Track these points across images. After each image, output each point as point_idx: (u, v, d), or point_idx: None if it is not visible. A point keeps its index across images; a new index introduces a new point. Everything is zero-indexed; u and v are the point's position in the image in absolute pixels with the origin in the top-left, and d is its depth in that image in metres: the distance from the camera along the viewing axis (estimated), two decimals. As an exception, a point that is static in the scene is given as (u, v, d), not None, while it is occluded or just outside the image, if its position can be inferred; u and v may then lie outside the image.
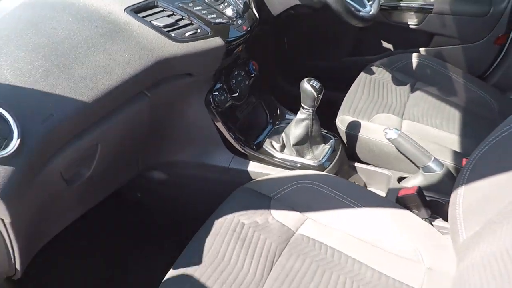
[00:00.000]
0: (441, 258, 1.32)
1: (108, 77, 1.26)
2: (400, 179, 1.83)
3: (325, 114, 1.99)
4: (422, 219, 1.48)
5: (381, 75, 2.25)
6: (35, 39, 1.24)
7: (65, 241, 1.55)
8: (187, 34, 1.51)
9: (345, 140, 1.97)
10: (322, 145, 1.89)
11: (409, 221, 1.44)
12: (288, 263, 1.29)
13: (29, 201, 1.09)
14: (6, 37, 1.23)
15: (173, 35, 1.47)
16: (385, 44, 2.77)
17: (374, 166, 1.96)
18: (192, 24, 1.56)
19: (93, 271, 1.97)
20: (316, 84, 1.71)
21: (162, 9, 1.52)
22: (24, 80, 1.13)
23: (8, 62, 1.14)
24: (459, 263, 1.14)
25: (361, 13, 1.91)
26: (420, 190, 1.55)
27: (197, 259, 1.28)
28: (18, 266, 1.23)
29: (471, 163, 1.25)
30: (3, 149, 0.99)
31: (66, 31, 1.29)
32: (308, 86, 1.70)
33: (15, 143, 1.01)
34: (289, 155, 1.85)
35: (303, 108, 1.77)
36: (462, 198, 1.23)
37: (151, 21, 1.45)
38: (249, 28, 1.77)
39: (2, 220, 1.06)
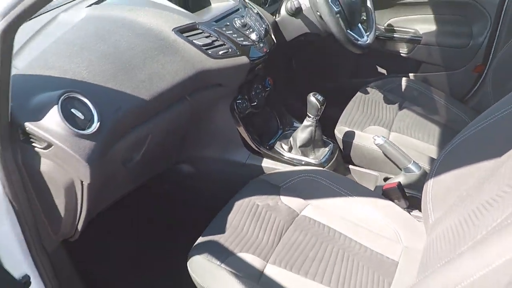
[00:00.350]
0: (415, 239, 1.50)
1: (161, 82, 1.49)
2: (385, 179, 2.00)
3: (326, 124, 2.15)
4: (402, 208, 1.67)
5: (374, 94, 2.40)
6: (103, 48, 1.47)
7: (105, 220, 1.74)
8: (220, 53, 1.73)
9: (341, 146, 2.13)
10: (323, 148, 2.09)
11: (391, 209, 1.63)
12: (293, 236, 1.50)
13: (100, 171, 1.30)
14: (79, 45, 1.46)
15: (209, 52, 1.69)
16: (380, 69, 2.92)
17: (365, 168, 2.12)
18: (225, 45, 1.77)
19: (128, 247, 2.12)
20: (320, 97, 1.92)
21: (201, 31, 1.73)
22: (97, 79, 1.35)
23: (84, 64, 1.37)
24: (427, 239, 1.34)
25: (359, 42, 2.08)
26: (400, 184, 1.75)
27: (221, 230, 1.48)
28: (79, 227, 1.44)
29: (438, 160, 1.45)
30: (88, 128, 1.23)
31: (127, 43, 1.53)
32: (313, 98, 1.91)
33: (96, 125, 1.25)
34: (295, 155, 2.05)
35: (309, 116, 1.98)
36: (431, 188, 1.43)
37: (193, 40, 1.67)
38: (268, 50, 1.98)
39: (82, 182, 1.29)
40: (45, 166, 1.24)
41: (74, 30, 1.56)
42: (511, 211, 0.93)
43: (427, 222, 1.39)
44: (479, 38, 2.60)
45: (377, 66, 2.93)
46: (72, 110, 1.21)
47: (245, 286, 1.31)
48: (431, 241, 1.26)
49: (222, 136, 2.03)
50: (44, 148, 1.21)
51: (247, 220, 1.54)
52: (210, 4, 2.02)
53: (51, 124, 1.17)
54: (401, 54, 2.81)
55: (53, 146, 1.19)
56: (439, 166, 1.45)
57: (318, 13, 2.05)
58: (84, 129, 1.22)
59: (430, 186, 1.44)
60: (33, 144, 1.21)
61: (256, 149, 2.06)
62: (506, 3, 2.49)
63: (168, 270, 1.87)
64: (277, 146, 2.12)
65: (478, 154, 1.30)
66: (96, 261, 1.98)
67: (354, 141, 2.10)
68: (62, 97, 1.20)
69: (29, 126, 1.17)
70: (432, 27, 2.71)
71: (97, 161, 1.24)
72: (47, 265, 1.36)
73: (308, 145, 2.05)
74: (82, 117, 1.23)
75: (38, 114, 1.18)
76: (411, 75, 2.79)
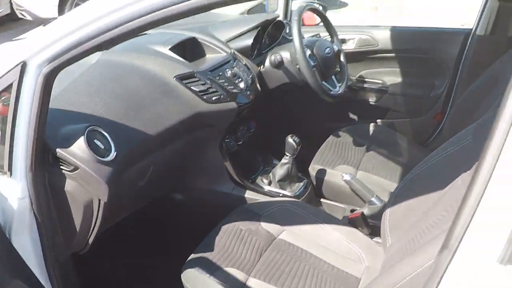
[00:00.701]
0: (376, 260, 1.70)
1: (164, 121, 1.74)
2: (352, 211, 2.20)
3: (302, 163, 2.37)
4: (364, 235, 1.89)
5: (345, 138, 2.60)
6: (117, 90, 1.73)
7: (107, 239, 1.88)
8: (213, 98, 1.99)
9: (314, 182, 2.35)
10: (298, 183, 2.32)
11: (355, 235, 1.84)
12: (271, 255, 1.71)
13: (114, 193, 1.52)
14: (96, 86, 1.71)
15: (205, 97, 1.95)
16: (351, 115, 3.13)
17: (334, 201, 2.33)
18: (217, 92, 2.03)
19: (126, 263, 2.26)
20: (296, 139, 2.17)
21: (198, 79, 1.99)
22: (113, 116, 1.61)
23: (101, 103, 1.63)
24: (384, 258, 1.55)
25: (331, 92, 2.33)
26: (363, 214, 1.99)
27: (210, 249, 1.69)
28: (90, 240, 1.64)
29: (394, 193, 1.69)
30: (107, 156, 1.48)
31: (136, 86, 1.79)
32: (291, 140, 2.16)
33: (113, 154, 1.50)
34: (274, 188, 2.29)
35: (286, 155, 2.21)
36: (388, 217, 1.65)
37: (191, 87, 1.93)
38: (253, 97, 2.24)
39: (99, 201, 1.51)
40: (70, 186, 1.47)
41: (90, 72, 1.82)
42: (442, 229, 1.18)
43: (385, 246, 1.60)
44: (439, 89, 2.85)
45: (349, 113, 3.14)
46: (95, 140, 1.46)
47: None
48: (386, 259, 1.49)
49: (211, 169, 2.25)
50: (71, 171, 1.44)
51: (232, 241, 1.74)
52: (205, 55, 2.29)
53: (78, 151, 1.41)
54: (370, 102, 3.04)
55: (79, 169, 1.43)
56: (395, 198, 1.68)
57: (298, 66, 2.30)
58: (104, 157, 1.47)
59: (387, 215, 1.67)
60: (61, 167, 1.44)
61: (241, 182, 2.29)
62: (462, 60, 2.75)
63: (162, 283, 2.04)
64: (259, 180, 2.36)
65: (426, 187, 1.52)
66: (98, 273, 2.15)
67: (325, 178, 2.31)
68: (87, 129, 1.45)
69: (60, 151, 1.41)
70: (398, 79, 2.96)
71: (114, 183, 1.48)
72: (58, 274, 1.54)
73: (285, 180, 2.28)
74: (102, 146, 1.48)
75: (67, 142, 1.42)
76: (378, 121, 2.99)
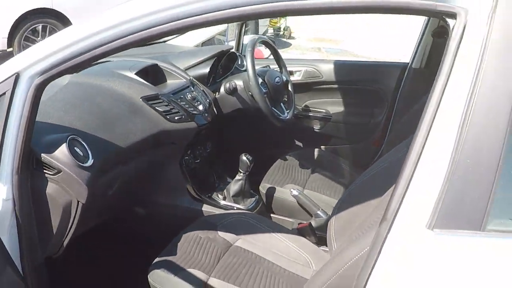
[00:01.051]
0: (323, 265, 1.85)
1: (133, 136, 1.93)
2: (299, 224, 2.37)
3: (253, 182, 2.55)
4: (312, 243, 2.08)
5: (292, 161, 2.79)
6: (90, 108, 1.91)
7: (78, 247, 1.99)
8: (176, 118, 2.20)
9: (264, 199, 2.53)
10: (250, 198, 2.52)
11: (304, 243, 2.02)
12: (229, 259, 1.88)
13: (90, 196, 1.66)
14: (71, 103, 1.88)
15: (168, 117, 2.16)
16: (297, 142, 3.34)
17: (283, 216, 2.51)
18: (179, 112, 2.24)
19: (95, 268, 2.35)
20: (249, 157, 2.37)
21: (162, 100, 2.21)
22: (87, 129, 1.78)
23: (77, 118, 1.81)
24: None
25: (281, 117, 2.57)
26: (311, 224, 2.20)
27: (173, 253, 1.85)
28: (65, 243, 1.75)
29: (339, 202, 1.90)
30: (86, 162, 1.65)
31: (107, 104, 1.98)
32: (244, 158, 2.36)
33: (91, 160, 1.67)
34: (229, 202, 2.48)
35: (240, 172, 2.41)
36: (333, 223, 1.84)
37: (156, 107, 2.13)
38: (211, 119, 2.45)
39: (77, 203, 1.66)
40: (51, 189, 1.62)
41: (63, 91, 1.99)
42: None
43: (331, 251, 1.79)
44: (378, 118, 3.10)
45: (294, 139, 3.36)
46: (75, 148, 1.63)
47: None
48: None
49: (171, 185, 2.42)
50: (54, 174, 1.59)
51: (193, 247, 1.91)
52: (166, 80, 2.51)
53: (61, 156, 1.58)
54: (315, 130, 3.26)
55: (62, 172, 1.59)
56: (339, 207, 1.89)
57: (250, 93, 2.53)
58: (83, 163, 1.64)
59: (332, 223, 1.86)
60: (44, 171, 1.59)
61: (198, 197, 2.46)
62: (400, 91, 3.02)
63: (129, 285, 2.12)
64: (214, 196, 2.54)
65: (367, 194, 1.71)
66: (67, 279, 2.23)
67: (275, 194, 2.50)
68: (69, 138, 1.62)
69: (44, 156, 1.56)
70: (341, 108, 3.20)
71: (91, 186, 1.65)
72: (35, 278, 1.62)
73: (239, 195, 2.47)
74: (81, 154, 1.65)
75: (51, 148, 1.58)
76: (322, 147, 3.21)
